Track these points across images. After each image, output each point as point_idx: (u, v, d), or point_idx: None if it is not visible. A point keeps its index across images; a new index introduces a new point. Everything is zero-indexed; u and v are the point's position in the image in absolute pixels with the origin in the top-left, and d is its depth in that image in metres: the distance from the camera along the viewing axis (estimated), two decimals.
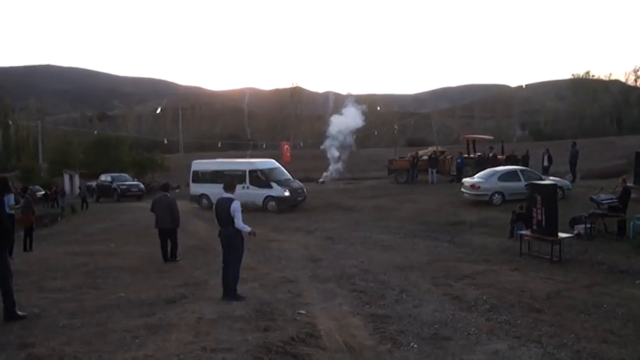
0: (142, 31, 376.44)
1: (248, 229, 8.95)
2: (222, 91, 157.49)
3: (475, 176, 22.61)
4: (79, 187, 39.84)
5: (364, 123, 41.05)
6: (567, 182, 22.23)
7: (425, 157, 31.48)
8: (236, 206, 8.84)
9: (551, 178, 21.76)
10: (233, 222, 8.82)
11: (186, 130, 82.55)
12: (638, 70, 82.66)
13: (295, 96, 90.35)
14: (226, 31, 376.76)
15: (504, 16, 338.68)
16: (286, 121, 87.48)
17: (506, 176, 21.39)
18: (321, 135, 43.70)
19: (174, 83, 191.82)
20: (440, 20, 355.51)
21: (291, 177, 26.25)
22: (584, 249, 13.09)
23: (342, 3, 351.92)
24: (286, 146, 26.13)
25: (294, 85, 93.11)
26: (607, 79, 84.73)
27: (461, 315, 7.95)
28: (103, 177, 38.55)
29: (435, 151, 32.20)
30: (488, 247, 14.35)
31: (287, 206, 23.87)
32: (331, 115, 44.34)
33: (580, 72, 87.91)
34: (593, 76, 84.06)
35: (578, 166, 26.71)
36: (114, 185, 36.52)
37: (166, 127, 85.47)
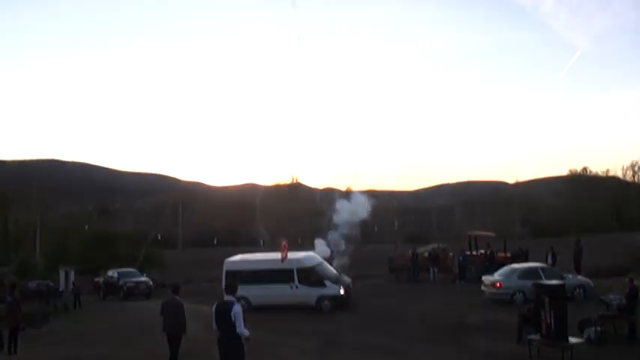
0: (145, 127, 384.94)
1: (247, 333, 8.54)
2: (221, 187, 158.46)
3: (495, 274, 22.16)
4: (73, 283, 38.52)
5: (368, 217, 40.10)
6: (590, 282, 21.75)
7: (425, 254, 31.05)
8: (238, 309, 8.46)
9: (578, 277, 21.49)
10: (234, 327, 8.39)
11: (185, 224, 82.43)
12: (635, 166, 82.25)
13: (294, 192, 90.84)
14: (228, 127, 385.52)
15: (497, 112, 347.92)
16: (285, 217, 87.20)
17: (526, 274, 20.61)
18: (320, 230, 42.28)
19: (175, 178, 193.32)
20: (436, 118, 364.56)
21: (336, 271, 24.97)
22: (594, 356, 12.52)
23: (341, 99, 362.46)
24: (284, 243, 25.47)
25: (294, 181, 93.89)
26: (604, 174, 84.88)
27: None
28: (110, 272, 36.12)
29: (434, 248, 31.79)
30: (496, 353, 13.74)
31: (340, 305, 22.26)
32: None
33: (577, 167, 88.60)
34: (590, 172, 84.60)
35: (581, 264, 26.28)
36: (120, 282, 33.84)
37: (166, 223, 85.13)
